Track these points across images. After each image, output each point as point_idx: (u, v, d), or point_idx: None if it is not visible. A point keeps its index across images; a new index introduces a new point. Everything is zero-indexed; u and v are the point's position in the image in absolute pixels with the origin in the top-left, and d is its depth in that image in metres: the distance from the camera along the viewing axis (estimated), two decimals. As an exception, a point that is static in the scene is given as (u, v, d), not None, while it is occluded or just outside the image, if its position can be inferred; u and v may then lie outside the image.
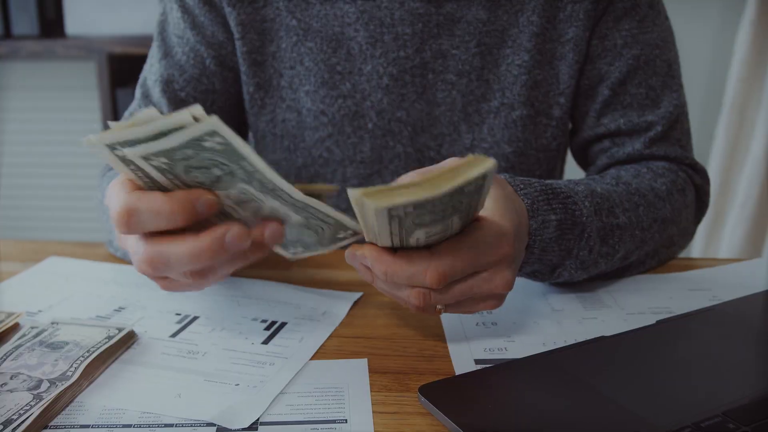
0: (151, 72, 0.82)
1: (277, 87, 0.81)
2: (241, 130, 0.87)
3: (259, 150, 0.86)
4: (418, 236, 0.47)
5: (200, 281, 0.50)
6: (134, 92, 0.86)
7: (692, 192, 0.77)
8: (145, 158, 0.44)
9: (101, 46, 1.80)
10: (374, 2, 0.76)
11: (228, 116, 0.84)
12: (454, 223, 0.47)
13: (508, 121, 0.79)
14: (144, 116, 0.43)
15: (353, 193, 0.42)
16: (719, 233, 1.98)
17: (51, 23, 1.91)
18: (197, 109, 0.42)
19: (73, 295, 0.67)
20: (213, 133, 0.41)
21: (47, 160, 2.02)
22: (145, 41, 1.79)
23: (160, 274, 0.49)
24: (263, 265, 0.73)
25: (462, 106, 0.79)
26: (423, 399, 0.49)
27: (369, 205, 0.42)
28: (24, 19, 1.85)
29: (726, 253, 1.94)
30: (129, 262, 0.70)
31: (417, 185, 0.42)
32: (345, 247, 0.52)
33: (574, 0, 0.76)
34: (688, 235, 0.78)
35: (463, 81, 0.78)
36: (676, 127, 0.79)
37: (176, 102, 0.80)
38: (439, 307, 0.52)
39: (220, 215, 0.50)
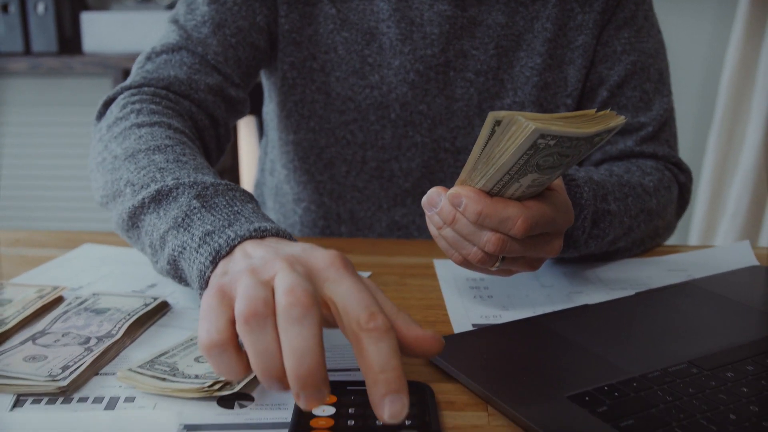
0: (192, 14, 0.81)
1: (310, 69, 0.87)
2: (256, 102, 0.90)
3: (283, 127, 0.91)
4: (522, 183, 0.51)
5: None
6: None
7: (676, 189, 0.84)
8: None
9: (117, 63, 1.89)
10: (407, 2, 0.84)
11: (253, 81, 0.87)
12: (551, 179, 0.52)
13: None
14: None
15: (506, 114, 0.45)
16: (711, 242, 2.04)
17: (69, 41, 2.00)
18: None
19: (109, 275, 0.74)
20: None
21: (66, 173, 2.09)
22: (159, 58, 1.88)
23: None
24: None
25: (478, 102, 0.86)
26: (427, 351, 0.55)
27: (526, 124, 0.45)
28: (43, 36, 1.94)
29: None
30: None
31: (565, 121, 0.46)
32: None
33: (584, 10, 0.84)
34: (671, 228, 0.85)
35: (480, 79, 0.86)
36: (665, 129, 0.87)
37: (225, 46, 0.80)
38: (497, 264, 0.57)
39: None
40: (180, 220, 0.55)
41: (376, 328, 0.41)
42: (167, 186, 0.58)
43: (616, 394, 0.48)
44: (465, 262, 0.58)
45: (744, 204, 1.92)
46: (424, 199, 0.57)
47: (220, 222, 0.53)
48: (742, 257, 0.78)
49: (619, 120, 0.48)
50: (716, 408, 0.47)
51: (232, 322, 0.43)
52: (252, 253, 0.49)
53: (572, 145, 0.47)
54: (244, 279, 0.43)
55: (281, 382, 0.41)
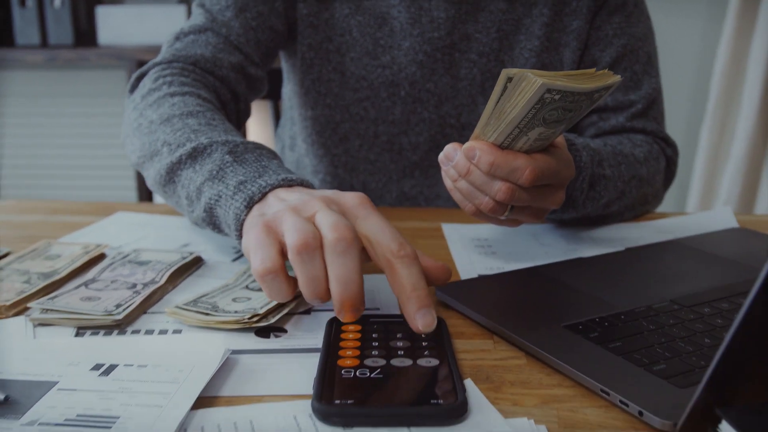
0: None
1: (326, 50, 0.94)
2: (274, 82, 0.98)
3: (302, 104, 0.99)
4: (530, 136, 0.57)
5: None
6: None
7: (663, 161, 0.91)
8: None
9: (131, 55, 1.95)
10: None
11: (271, 62, 0.94)
12: (556, 134, 0.59)
13: None
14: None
15: (517, 71, 0.51)
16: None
17: (84, 34, 2.06)
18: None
19: (145, 237, 0.81)
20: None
21: (81, 162, 2.16)
22: (172, 50, 1.94)
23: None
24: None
25: (480, 81, 0.93)
26: (439, 293, 0.62)
27: (535, 80, 0.50)
28: (59, 29, 2.01)
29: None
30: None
31: (568, 78, 0.52)
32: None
33: None
34: (659, 198, 0.92)
35: (483, 60, 0.93)
36: (653, 106, 0.94)
37: (247, 28, 0.87)
38: (506, 214, 0.64)
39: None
40: (215, 172, 0.62)
41: (406, 255, 0.49)
42: (202, 144, 0.65)
43: (606, 324, 0.55)
44: (477, 212, 0.65)
45: (735, 193, 1.98)
46: (441, 155, 0.64)
47: (252, 173, 0.61)
48: (725, 221, 0.85)
49: (615, 78, 0.55)
50: (693, 335, 0.53)
51: (281, 253, 0.50)
52: (285, 197, 0.56)
53: (575, 100, 0.54)
54: (289, 216, 0.51)
55: (324, 301, 0.50)
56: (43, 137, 2.15)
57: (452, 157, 0.63)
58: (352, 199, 0.54)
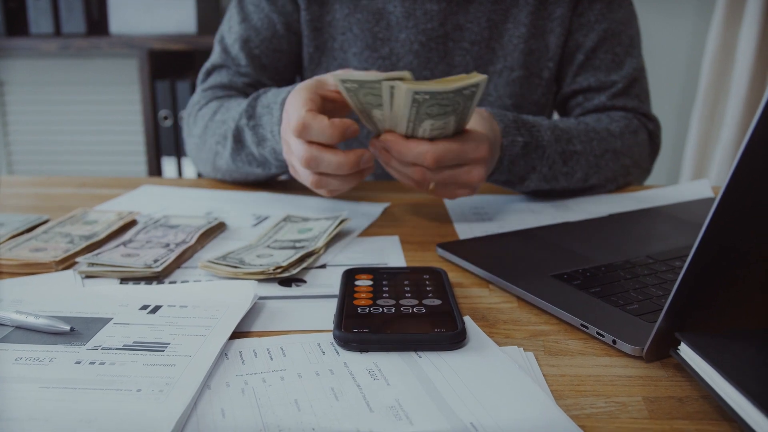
0: (230, 32, 1.03)
1: (331, 49, 1.03)
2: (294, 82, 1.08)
3: None
4: (425, 127, 0.68)
5: (316, 184, 0.73)
6: (171, 84, 1.07)
7: (644, 134, 0.99)
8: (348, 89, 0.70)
9: (142, 43, 2.02)
10: None
11: (287, 71, 1.06)
12: (450, 122, 0.69)
13: (509, 80, 1.01)
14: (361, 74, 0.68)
15: (389, 83, 0.64)
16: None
17: (96, 23, 2.13)
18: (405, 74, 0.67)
19: (170, 206, 0.88)
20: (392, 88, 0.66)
21: (94, 148, 2.23)
22: (183, 38, 2.01)
23: (313, 170, 0.71)
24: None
25: (474, 68, 1.01)
26: (440, 250, 0.70)
27: (402, 87, 0.63)
28: (72, 18, 2.07)
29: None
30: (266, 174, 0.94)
31: (434, 82, 0.64)
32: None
33: None
34: (644, 169, 1.00)
35: (475, 48, 1.00)
36: (635, 85, 1.01)
37: (252, 57, 1.01)
38: (431, 186, 0.73)
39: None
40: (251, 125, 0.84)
41: None
42: (239, 126, 0.84)
43: (588, 274, 0.62)
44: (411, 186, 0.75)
45: (725, 174, 2.06)
46: (370, 145, 0.76)
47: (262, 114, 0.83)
48: (702, 192, 0.93)
49: (480, 77, 0.66)
50: (664, 282, 0.61)
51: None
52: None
53: (446, 98, 0.65)
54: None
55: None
56: (56, 124, 2.22)
57: (375, 152, 0.75)
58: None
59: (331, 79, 0.72)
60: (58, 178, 1.03)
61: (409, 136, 0.71)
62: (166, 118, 2.07)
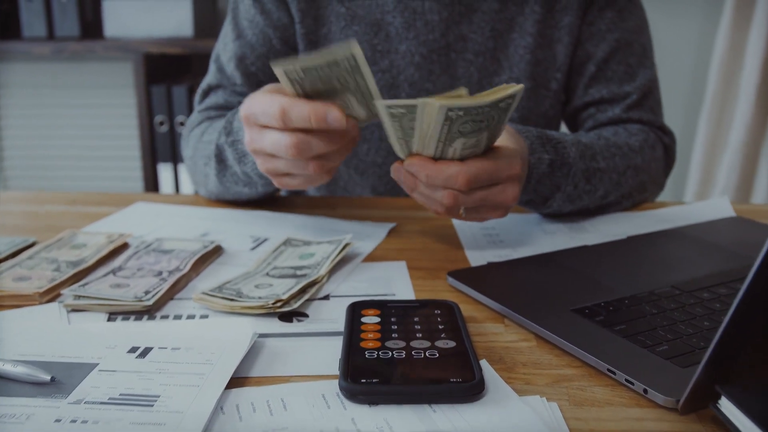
0: (225, 50, 0.99)
1: None
2: None
3: None
4: (456, 147, 0.63)
5: (319, 172, 0.67)
6: (167, 88, 1.03)
7: (661, 149, 0.94)
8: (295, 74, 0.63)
9: (137, 47, 1.97)
10: None
11: None
12: (483, 140, 0.63)
13: None
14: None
15: (420, 100, 0.58)
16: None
17: (90, 26, 2.08)
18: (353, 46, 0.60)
19: (165, 226, 0.84)
20: (351, 57, 0.59)
21: (87, 153, 2.18)
22: (177, 42, 1.97)
23: (304, 156, 0.65)
24: (317, 204, 0.91)
25: (478, 79, 0.96)
26: (451, 279, 0.65)
27: (434, 103, 0.58)
28: (65, 21, 2.03)
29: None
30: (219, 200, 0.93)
31: (467, 97, 0.59)
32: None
33: None
34: (659, 185, 0.95)
35: (479, 59, 0.95)
36: (649, 96, 0.96)
37: (248, 75, 0.97)
38: (461, 211, 0.68)
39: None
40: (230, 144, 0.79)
41: None
42: (219, 145, 0.80)
43: (611, 308, 0.58)
44: (440, 213, 0.69)
45: (733, 181, 2.02)
46: (392, 174, 0.69)
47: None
48: (722, 210, 0.88)
49: (516, 88, 0.60)
50: (693, 318, 0.56)
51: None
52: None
53: (481, 112, 0.59)
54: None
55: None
56: (50, 128, 2.17)
57: (399, 177, 0.68)
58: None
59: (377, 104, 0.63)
60: (49, 194, 0.98)
61: (438, 158, 0.65)
62: (162, 123, 2.02)
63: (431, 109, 0.59)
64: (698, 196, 2.08)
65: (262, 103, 0.65)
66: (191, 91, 1.98)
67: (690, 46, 2.12)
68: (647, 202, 0.94)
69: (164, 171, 2.06)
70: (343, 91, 0.63)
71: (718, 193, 2.05)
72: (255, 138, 0.68)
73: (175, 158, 2.05)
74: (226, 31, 1.00)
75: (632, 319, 0.56)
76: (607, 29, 0.95)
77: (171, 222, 0.85)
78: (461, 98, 0.59)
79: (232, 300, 0.60)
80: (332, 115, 0.62)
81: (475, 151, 0.65)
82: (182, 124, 1.91)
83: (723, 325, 0.40)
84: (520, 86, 0.60)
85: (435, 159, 0.65)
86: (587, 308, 0.58)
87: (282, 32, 0.97)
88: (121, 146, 2.14)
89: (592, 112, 0.97)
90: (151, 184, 2.08)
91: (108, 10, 2.01)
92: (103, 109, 2.12)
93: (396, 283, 0.67)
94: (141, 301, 0.60)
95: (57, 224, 0.84)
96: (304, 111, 0.62)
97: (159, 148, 2.05)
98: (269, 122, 0.65)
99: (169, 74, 2.11)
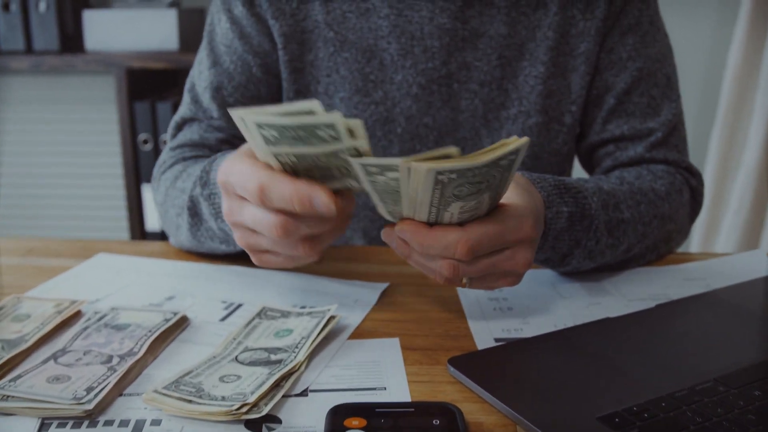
0: (201, 79, 0.89)
1: (314, 93, 0.87)
2: None
3: None
4: (452, 211, 0.53)
5: (309, 253, 0.58)
6: (151, 105, 0.93)
7: (688, 193, 0.84)
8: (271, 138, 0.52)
9: (119, 61, 1.87)
10: (405, 17, 0.83)
11: None
12: (484, 201, 0.53)
13: (525, 127, 0.86)
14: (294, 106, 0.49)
15: (404, 162, 0.48)
16: (714, 239, 2.04)
17: (71, 39, 1.98)
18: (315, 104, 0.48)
19: (126, 287, 0.74)
20: (330, 126, 0.48)
21: (67, 170, 2.08)
22: (162, 56, 1.87)
23: (292, 238, 0.56)
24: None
25: (483, 113, 0.86)
26: (452, 369, 0.55)
27: (420, 168, 0.48)
28: (45, 34, 1.93)
29: (721, 259, 2.02)
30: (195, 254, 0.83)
31: (460, 157, 0.49)
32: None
33: (585, 17, 0.84)
34: (684, 233, 0.85)
35: (484, 90, 0.85)
36: (674, 133, 0.86)
37: (225, 107, 0.87)
38: (465, 280, 0.58)
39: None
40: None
41: None
42: (193, 196, 0.69)
43: (646, 415, 0.48)
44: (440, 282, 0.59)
45: (747, 201, 1.92)
46: (383, 238, 0.60)
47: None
48: (758, 265, 0.78)
49: (520, 142, 0.49)
50: (747, 430, 0.47)
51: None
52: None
53: (478, 174, 0.49)
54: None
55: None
56: (28, 144, 2.07)
57: (391, 243, 0.59)
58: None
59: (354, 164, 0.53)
60: (3, 242, 0.88)
61: (433, 223, 0.55)
62: (146, 141, 1.92)
63: (417, 173, 0.49)
64: (710, 216, 1.98)
65: (239, 175, 0.56)
66: (176, 108, 1.88)
67: (701, 59, 2.02)
68: (671, 253, 0.84)
69: (148, 192, 1.96)
70: (329, 156, 0.53)
71: (732, 213, 1.95)
72: (234, 209, 0.58)
73: (160, 178, 1.95)
74: (201, 57, 0.90)
75: (673, 431, 0.46)
76: (628, 57, 0.85)
77: (135, 281, 0.75)
78: (452, 160, 0.49)
79: (189, 402, 0.50)
80: (319, 199, 0.52)
81: (476, 213, 0.55)
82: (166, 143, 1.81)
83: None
84: (525, 140, 0.50)
85: (430, 224, 0.56)
86: (617, 415, 0.48)
87: (263, 59, 0.87)
88: (103, 164, 2.04)
89: (611, 150, 0.87)
90: (135, 205, 1.98)
91: (89, 22, 1.91)
92: (84, 125, 2.02)
93: (387, 370, 0.57)
94: (80, 403, 0.50)
95: (7, 282, 0.74)
96: (286, 192, 0.53)
97: (143, 167, 1.94)
98: (248, 197, 0.55)
99: (153, 90, 2.01)
